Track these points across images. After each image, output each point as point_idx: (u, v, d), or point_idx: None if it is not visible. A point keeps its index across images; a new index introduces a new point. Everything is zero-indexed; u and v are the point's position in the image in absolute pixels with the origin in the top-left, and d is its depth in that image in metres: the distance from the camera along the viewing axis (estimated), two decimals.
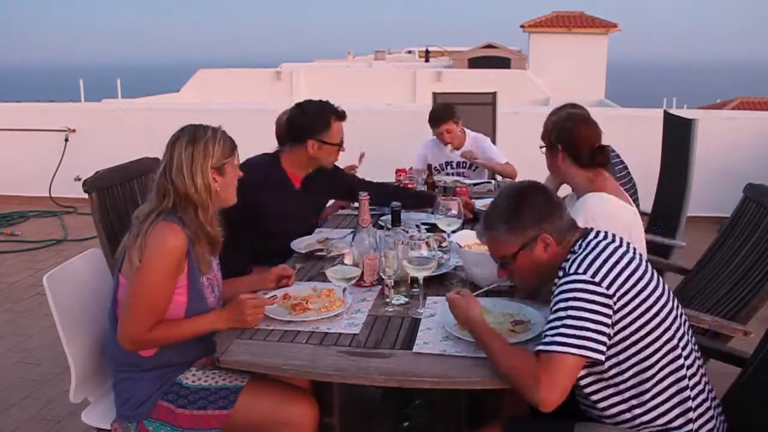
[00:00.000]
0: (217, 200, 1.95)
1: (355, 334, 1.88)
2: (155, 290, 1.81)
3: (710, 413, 1.64)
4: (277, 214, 2.71)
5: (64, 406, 2.92)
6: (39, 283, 2.31)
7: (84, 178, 2.61)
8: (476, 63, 20.19)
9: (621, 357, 1.59)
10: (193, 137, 1.92)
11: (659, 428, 1.60)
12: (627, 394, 1.61)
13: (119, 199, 2.72)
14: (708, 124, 6.38)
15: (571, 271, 1.60)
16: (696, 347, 1.69)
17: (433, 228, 2.76)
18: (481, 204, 3.29)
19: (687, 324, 1.69)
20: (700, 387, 1.64)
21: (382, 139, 6.29)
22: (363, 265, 2.15)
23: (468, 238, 2.39)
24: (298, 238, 2.73)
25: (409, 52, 30.87)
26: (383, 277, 2.09)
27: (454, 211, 2.65)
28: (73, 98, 10.20)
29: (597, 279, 1.56)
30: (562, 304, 1.57)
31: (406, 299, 2.09)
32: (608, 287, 1.55)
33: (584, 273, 1.57)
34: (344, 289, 2.05)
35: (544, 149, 2.47)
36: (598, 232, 1.72)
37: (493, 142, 4.73)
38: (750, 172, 4.73)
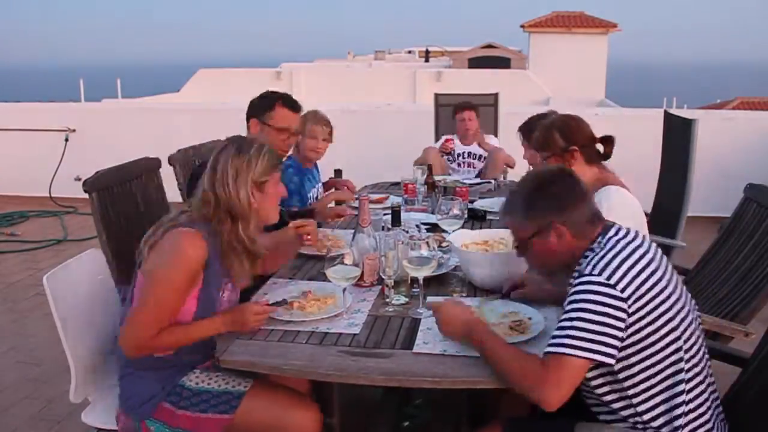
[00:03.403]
0: (256, 216, 1.92)
1: (355, 334, 1.88)
2: (165, 300, 1.79)
3: (705, 417, 1.62)
4: None
5: (64, 406, 2.92)
6: (39, 283, 2.31)
7: (84, 178, 2.60)
8: (476, 63, 20.21)
9: (632, 360, 1.58)
10: (239, 149, 1.91)
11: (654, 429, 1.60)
12: (631, 393, 1.60)
13: (119, 199, 2.71)
14: (708, 124, 6.37)
15: (586, 272, 1.57)
16: (705, 349, 1.68)
17: (433, 228, 2.76)
18: (480, 204, 3.31)
19: (699, 326, 1.67)
20: (697, 390, 1.62)
21: (382, 139, 6.30)
22: (363, 265, 2.15)
23: (465, 237, 2.39)
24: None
25: (409, 52, 30.90)
26: (383, 277, 2.09)
27: (456, 211, 2.65)
28: (73, 98, 10.20)
29: (612, 281, 1.53)
30: (574, 305, 1.54)
31: (406, 299, 2.08)
32: (623, 290, 1.53)
33: (599, 275, 1.54)
34: (344, 289, 2.05)
35: (547, 160, 2.46)
36: (618, 229, 1.68)
37: None
38: (750, 172, 4.74)
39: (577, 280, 1.58)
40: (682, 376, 1.59)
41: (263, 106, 2.72)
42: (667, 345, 1.58)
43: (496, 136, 5.20)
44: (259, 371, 1.80)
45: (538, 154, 2.50)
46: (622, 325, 1.52)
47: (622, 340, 1.53)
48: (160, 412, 1.87)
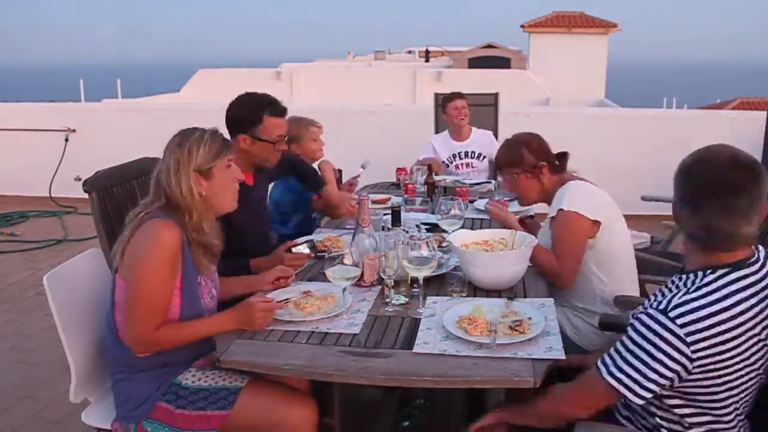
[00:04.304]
0: (207, 206, 1.91)
1: (355, 334, 1.88)
2: (153, 288, 1.79)
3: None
4: (240, 217, 2.38)
5: (64, 406, 2.91)
6: (39, 283, 2.31)
7: (84, 178, 2.60)
8: (476, 63, 20.23)
9: (689, 397, 1.54)
10: (180, 140, 1.91)
11: None
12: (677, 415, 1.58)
13: (119, 199, 2.71)
14: (708, 124, 6.40)
15: (665, 307, 1.47)
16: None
17: (433, 228, 2.76)
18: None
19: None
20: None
21: (382, 139, 6.31)
22: (363, 265, 2.15)
23: (465, 237, 2.39)
24: (263, 238, 2.60)
25: (409, 52, 30.93)
26: (383, 277, 2.09)
27: (456, 211, 2.65)
28: (73, 98, 10.21)
29: (683, 333, 1.43)
30: (637, 338, 1.48)
31: (406, 299, 2.09)
32: (692, 344, 1.43)
33: (674, 322, 1.44)
34: (344, 289, 2.05)
35: (516, 176, 2.52)
36: (716, 268, 1.50)
37: None
38: None
39: (651, 309, 1.49)
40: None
41: (251, 120, 2.53)
42: (733, 384, 1.52)
43: (496, 135, 5.16)
44: (259, 371, 1.80)
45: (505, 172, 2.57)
46: (680, 372, 1.46)
47: (671, 380, 1.47)
48: (157, 412, 1.87)
